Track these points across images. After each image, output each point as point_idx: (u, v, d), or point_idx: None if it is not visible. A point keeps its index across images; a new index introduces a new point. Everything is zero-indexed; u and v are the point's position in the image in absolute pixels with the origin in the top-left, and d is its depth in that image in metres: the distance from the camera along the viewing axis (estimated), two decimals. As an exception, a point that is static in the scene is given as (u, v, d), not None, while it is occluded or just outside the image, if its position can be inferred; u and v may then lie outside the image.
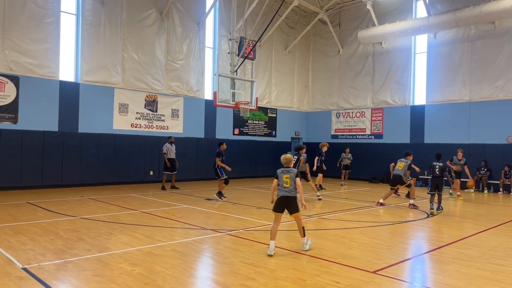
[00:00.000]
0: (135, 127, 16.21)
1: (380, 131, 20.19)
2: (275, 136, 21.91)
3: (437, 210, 10.03)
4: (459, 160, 13.59)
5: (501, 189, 15.54)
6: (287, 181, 6.03)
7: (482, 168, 16.14)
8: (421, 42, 19.02)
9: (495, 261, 5.81)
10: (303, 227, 6.15)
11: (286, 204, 6.06)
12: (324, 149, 14.50)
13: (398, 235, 7.86)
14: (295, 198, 6.07)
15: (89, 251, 5.88)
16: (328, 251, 6.15)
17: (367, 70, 20.61)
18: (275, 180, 6.15)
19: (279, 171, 6.17)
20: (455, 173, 13.52)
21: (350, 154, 17.72)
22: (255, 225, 8.20)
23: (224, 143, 12.18)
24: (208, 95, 18.77)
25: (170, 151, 14.35)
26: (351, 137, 21.18)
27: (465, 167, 13.66)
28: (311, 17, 21.95)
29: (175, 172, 14.51)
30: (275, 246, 5.93)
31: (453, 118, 17.41)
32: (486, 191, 15.86)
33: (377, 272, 5.17)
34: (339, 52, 21.72)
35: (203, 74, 18.56)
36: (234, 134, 19.93)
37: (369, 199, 12.71)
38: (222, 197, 11.72)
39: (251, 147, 20.45)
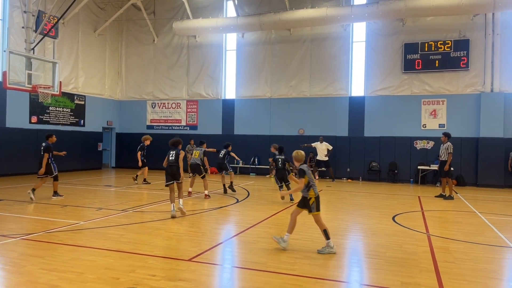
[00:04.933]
0: None
1: (195, 122, 20.85)
2: (83, 125, 19.94)
3: (290, 200, 10.52)
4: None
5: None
6: None
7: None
8: (231, 40, 20.43)
9: (294, 237, 6.72)
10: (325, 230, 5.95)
11: None
12: (147, 142, 14.43)
13: (211, 221, 8.27)
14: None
15: None
16: (144, 245, 5.98)
17: (182, 62, 20.91)
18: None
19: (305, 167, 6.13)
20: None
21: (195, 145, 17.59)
22: (59, 225, 7.27)
23: (54, 135, 11.00)
24: (-5, 75, 15.59)
25: None
26: (167, 127, 21.19)
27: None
28: (124, 0, 20.78)
29: None
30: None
31: (258, 112, 19.46)
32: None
33: (192, 260, 5.31)
34: (154, 41, 21.30)
35: (-12, 49, 15.32)
36: (31, 122, 17.19)
37: (186, 188, 12.94)
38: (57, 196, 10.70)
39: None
